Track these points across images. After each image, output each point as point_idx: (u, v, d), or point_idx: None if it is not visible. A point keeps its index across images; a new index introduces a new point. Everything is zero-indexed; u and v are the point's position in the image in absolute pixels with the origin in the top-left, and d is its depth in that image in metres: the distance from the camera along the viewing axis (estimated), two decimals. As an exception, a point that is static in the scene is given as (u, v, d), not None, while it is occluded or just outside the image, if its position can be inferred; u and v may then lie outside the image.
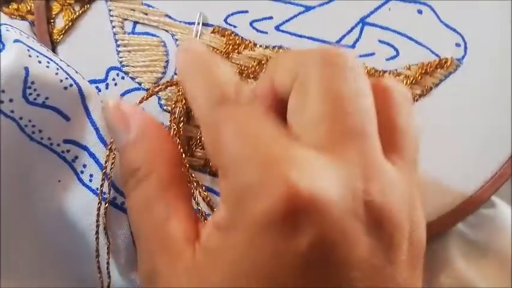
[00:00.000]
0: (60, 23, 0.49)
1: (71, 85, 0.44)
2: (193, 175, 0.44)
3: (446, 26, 0.50)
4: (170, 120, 0.46)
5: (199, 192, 0.45)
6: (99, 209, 0.44)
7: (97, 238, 0.44)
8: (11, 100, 0.42)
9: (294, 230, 0.30)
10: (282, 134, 0.33)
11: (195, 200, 0.44)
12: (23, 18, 0.51)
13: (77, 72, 0.45)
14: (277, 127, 0.33)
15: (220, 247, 0.33)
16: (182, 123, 0.46)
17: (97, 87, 0.48)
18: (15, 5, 0.51)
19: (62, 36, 0.49)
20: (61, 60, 0.45)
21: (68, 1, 0.49)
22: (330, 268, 0.31)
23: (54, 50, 0.49)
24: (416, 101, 0.49)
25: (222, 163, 0.33)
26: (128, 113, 0.38)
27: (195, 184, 0.44)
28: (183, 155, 0.46)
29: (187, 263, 0.33)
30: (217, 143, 0.34)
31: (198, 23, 0.49)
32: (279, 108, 0.37)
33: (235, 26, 0.49)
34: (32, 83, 0.42)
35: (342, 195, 0.31)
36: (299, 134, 0.34)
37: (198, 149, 0.47)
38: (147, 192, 0.36)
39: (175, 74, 0.48)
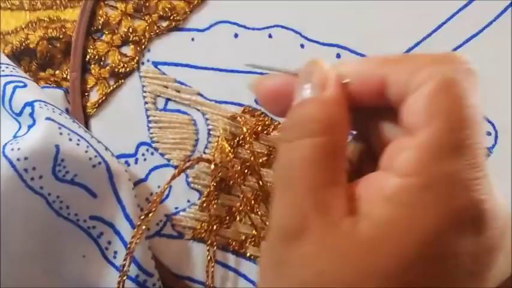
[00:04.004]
0: (94, 96, 0.50)
1: (99, 163, 0.44)
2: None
3: (477, 114, 0.50)
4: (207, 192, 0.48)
5: None
6: (119, 283, 0.44)
7: (119, 313, 0.45)
8: (40, 177, 0.43)
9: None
10: None
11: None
12: (58, 84, 0.52)
13: (106, 149, 0.46)
14: None
15: (396, 223, 0.33)
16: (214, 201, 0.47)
17: (126, 162, 0.49)
18: (51, 71, 0.52)
19: (95, 109, 0.50)
20: (92, 136, 0.46)
21: (102, 75, 0.50)
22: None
23: (87, 122, 0.50)
24: (444, 190, 0.49)
25: None
26: (334, 79, 0.37)
27: None
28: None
29: (348, 231, 0.33)
30: None
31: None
32: None
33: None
34: (62, 160, 0.43)
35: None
36: None
37: (222, 228, 0.48)
38: (315, 151, 0.35)
39: (204, 153, 0.49)
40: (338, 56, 0.50)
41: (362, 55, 0.51)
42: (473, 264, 0.33)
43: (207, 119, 0.49)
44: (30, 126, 0.44)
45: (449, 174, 0.32)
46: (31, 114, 0.44)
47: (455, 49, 0.50)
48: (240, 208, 0.47)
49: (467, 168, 0.32)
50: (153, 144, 0.49)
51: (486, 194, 0.32)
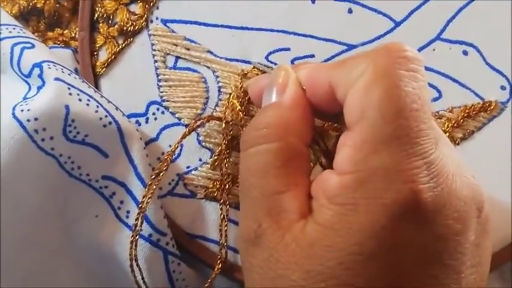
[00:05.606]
0: (103, 55, 0.50)
1: (110, 123, 0.44)
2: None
3: (492, 68, 0.49)
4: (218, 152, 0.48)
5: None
6: (131, 242, 0.44)
7: (132, 271, 0.45)
8: (51, 138, 0.43)
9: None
10: None
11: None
12: (66, 44, 0.51)
13: (117, 108, 0.46)
14: None
15: (336, 224, 0.33)
16: (226, 160, 0.47)
17: (137, 121, 0.48)
18: (59, 30, 0.52)
19: (104, 69, 0.49)
20: (102, 96, 0.46)
21: (111, 34, 0.50)
22: None
23: (96, 82, 0.49)
24: (458, 144, 0.48)
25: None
26: (291, 80, 0.39)
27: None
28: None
29: (297, 235, 0.34)
30: None
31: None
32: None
33: (275, 64, 0.49)
34: (73, 120, 0.43)
35: None
36: None
37: (235, 186, 0.48)
38: (269, 158, 0.36)
39: (215, 110, 0.48)
40: (350, 11, 0.49)
41: (374, 10, 0.50)
42: (424, 254, 0.32)
43: (217, 77, 0.49)
44: (39, 88, 0.44)
45: (383, 168, 0.32)
46: (40, 75, 0.44)
47: None
48: (252, 166, 0.47)
49: (403, 158, 0.32)
50: (164, 103, 0.49)
51: (427, 183, 0.32)
